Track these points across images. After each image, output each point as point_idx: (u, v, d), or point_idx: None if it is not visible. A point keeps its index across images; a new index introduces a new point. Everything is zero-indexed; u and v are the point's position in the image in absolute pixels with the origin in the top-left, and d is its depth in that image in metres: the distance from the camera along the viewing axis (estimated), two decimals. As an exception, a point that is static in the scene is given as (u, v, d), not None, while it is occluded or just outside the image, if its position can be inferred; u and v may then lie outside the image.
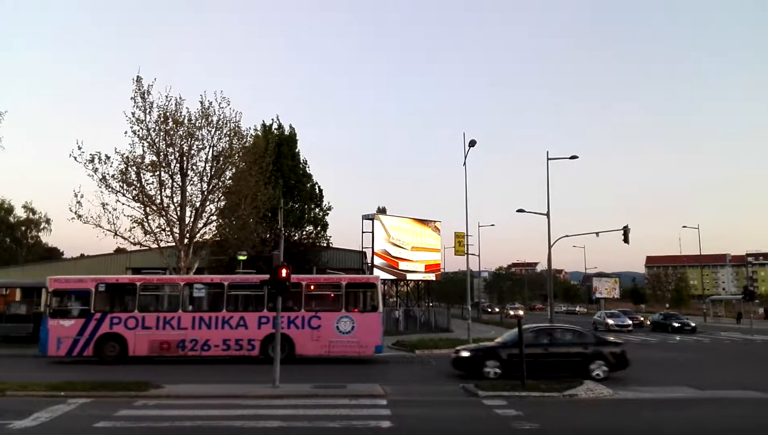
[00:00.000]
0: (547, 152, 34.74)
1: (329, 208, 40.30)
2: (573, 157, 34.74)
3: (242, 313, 20.72)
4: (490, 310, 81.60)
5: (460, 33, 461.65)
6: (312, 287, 21.27)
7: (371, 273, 41.80)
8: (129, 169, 24.48)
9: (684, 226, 68.43)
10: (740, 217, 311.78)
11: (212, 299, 21.14)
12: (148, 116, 24.71)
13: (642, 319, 52.30)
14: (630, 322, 45.29)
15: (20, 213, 67.06)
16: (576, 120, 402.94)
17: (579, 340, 16.62)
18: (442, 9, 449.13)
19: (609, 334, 40.93)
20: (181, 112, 25.15)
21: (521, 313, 68.36)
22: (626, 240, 37.09)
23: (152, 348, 20.01)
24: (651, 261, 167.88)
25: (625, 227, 37.15)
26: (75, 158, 24.01)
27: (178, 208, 25.39)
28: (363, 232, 40.53)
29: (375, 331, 20.25)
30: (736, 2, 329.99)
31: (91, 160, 24.06)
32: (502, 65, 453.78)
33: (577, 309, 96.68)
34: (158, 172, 25.02)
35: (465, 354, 16.71)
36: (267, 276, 20.36)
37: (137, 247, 26.18)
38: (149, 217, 24.97)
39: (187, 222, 25.48)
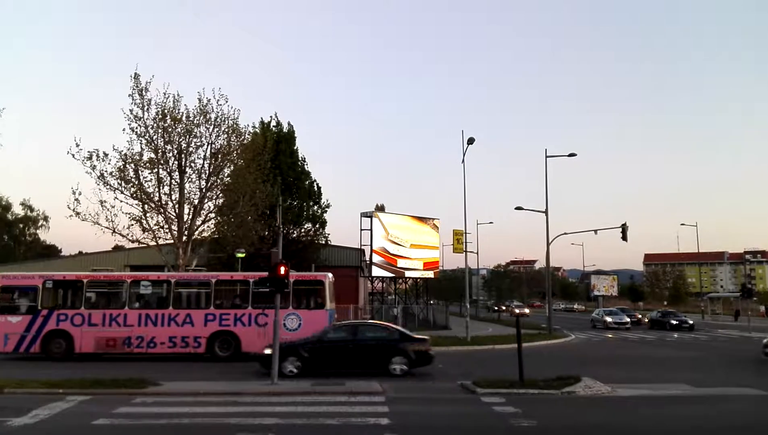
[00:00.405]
0: (546, 150, 34.86)
1: (328, 206, 40.28)
2: (572, 155, 34.83)
3: (189, 310, 20.78)
4: (496, 308, 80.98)
5: (460, 31, 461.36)
6: (260, 284, 21.19)
7: (370, 271, 41.89)
8: (127, 166, 24.43)
9: (682, 224, 68.88)
10: (738, 215, 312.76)
11: (159, 296, 21.28)
12: (146, 113, 24.66)
13: (640, 316, 52.42)
14: (628, 319, 45.41)
15: (18, 210, 67.01)
16: (575, 118, 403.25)
17: (385, 336, 16.95)
18: (440, 8, 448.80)
19: (607, 331, 41.20)
20: (179, 109, 25.08)
21: (527, 311, 68.08)
22: (624, 237, 37.22)
23: (98, 345, 20.09)
24: (649, 259, 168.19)
25: (623, 225, 37.28)
26: (73, 155, 23.96)
27: (177, 206, 25.34)
28: (362, 230, 40.64)
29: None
30: (737, 2, 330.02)
31: (90, 158, 24.00)
32: (502, 63, 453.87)
33: (575, 306, 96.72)
34: (156, 170, 24.97)
35: (267, 352, 16.49)
36: (216, 274, 20.89)
37: (135, 245, 26.14)
38: (147, 215, 24.93)
39: (185, 219, 25.44)
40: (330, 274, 21.89)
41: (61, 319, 20.29)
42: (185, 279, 21.91)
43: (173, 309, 20.51)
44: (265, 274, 22.42)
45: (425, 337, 18.92)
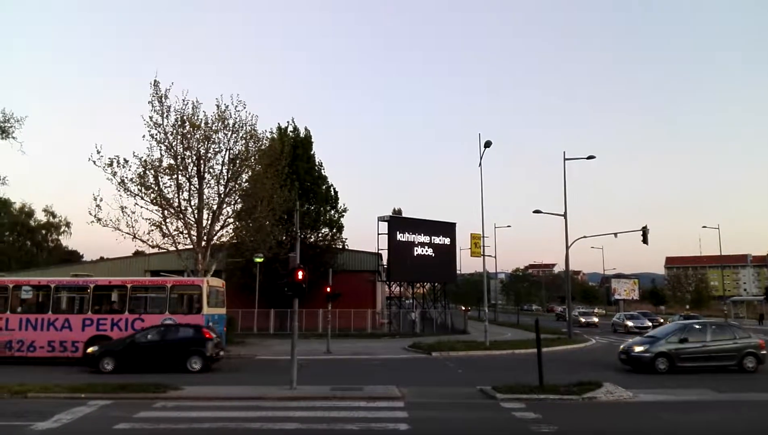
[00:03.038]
0: (564, 152, 34.63)
1: (345, 210, 40.45)
2: (590, 157, 34.49)
3: (67, 315, 21.11)
4: (565, 315, 70.92)
5: (478, 35, 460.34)
6: (137, 289, 21.77)
7: (388, 275, 41.86)
8: (147, 172, 24.75)
9: (704, 227, 67.61)
10: (761, 217, 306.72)
11: (40, 301, 21.69)
12: (165, 120, 24.99)
13: (662, 320, 51.58)
14: (649, 323, 44.74)
15: (41, 216, 67.98)
16: (594, 120, 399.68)
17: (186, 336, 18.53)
18: (458, 10, 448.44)
19: (629, 335, 40.58)
20: (198, 116, 25.39)
21: (595, 319, 57.53)
22: (645, 240, 36.73)
23: None
24: (671, 262, 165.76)
25: (644, 228, 36.81)
26: (94, 162, 24.35)
27: (196, 211, 25.61)
28: (379, 234, 40.64)
29: None
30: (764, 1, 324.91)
31: (110, 164, 24.37)
32: (519, 66, 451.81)
33: (595, 310, 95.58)
34: (176, 176, 25.26)
35: (90, 350, 18.65)
36: (95, 279, 21.59)
37: (156, 250, 26.49)
38: (167, 220, 25.23)
39: (204, 225, 25.68)
40: (211, 280, 22.16)
41: None
42: (65, 284, 22.23)
43: (53, 314, 20.92)
44: (145, 279, 22.96)
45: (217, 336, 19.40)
